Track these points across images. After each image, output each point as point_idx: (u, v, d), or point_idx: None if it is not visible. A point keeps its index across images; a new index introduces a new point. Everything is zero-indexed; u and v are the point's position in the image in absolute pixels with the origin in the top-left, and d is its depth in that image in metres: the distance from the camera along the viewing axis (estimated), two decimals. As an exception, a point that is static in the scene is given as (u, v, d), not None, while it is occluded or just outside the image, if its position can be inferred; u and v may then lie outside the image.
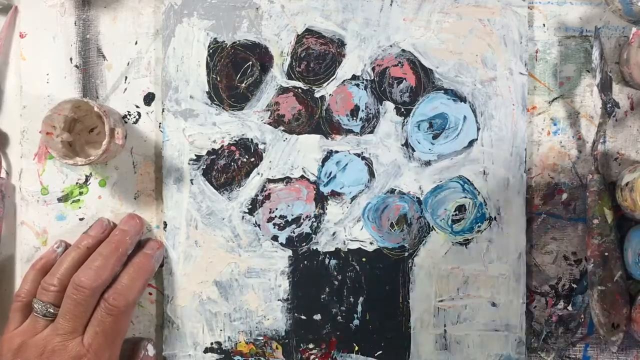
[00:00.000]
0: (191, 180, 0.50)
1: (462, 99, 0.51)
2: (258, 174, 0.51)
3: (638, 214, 0.48)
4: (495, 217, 0.51)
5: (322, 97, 0.51)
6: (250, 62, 0.51)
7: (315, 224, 0.51)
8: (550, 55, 0.52)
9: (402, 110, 0.51)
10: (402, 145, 0.51)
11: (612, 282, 0.49)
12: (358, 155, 0.51)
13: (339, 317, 0.51)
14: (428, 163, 0.51)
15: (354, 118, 0.51)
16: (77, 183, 0.51)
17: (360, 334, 0.51)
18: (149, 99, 0.51)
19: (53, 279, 0.46)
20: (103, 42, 0.51)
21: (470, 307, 0.51)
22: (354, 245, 0.51)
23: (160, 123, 0.51)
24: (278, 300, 0.51)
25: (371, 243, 0.51)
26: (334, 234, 0.51)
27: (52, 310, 0.45)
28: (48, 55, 0.51)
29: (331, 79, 0.51)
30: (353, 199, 0.51)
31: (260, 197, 0.51)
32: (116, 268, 0.47)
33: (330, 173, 0.51)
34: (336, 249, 0.51)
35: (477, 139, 0.51)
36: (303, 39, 0.51)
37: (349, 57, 0.51)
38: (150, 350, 0.50)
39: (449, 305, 0.51)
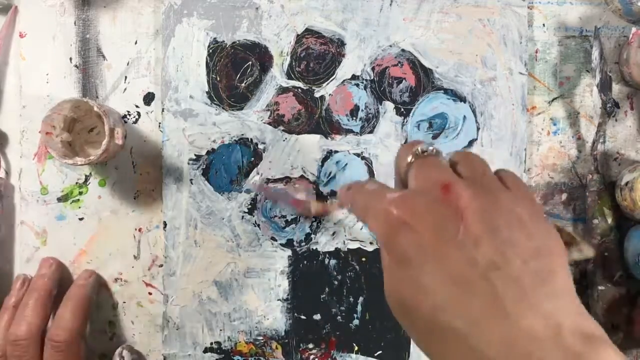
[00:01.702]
0: (191, 180, 0.50)
1: (462, 99, 0.51)
2: (258, 173, 0.51)
3: (638, 214, 0.48)
4: (495, 217, 0.51)
5: (322, 97, 0.51)
6: (250, 62, 0.51)
7: (315, 223, 0.51)
8: (550, 55, 0.52)
9: (402, 110, 0.51)
10: (402, 145, 0.51)
11: (612, 282, 0.49)
12: (358, 155, 0.51)
13: (339, 317, 0.51)
14: (428, 163, 0.51)
15: (354, 118, 0.51)
16: (76, 183, 0.51)
17: (360, 334, 0.51)
18: (148, 98, 0.51)
19: None
20: (103, 42, 0.51)
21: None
22: (353, 245, 0.51)
23: (160, 123, 0.51)
24: (278, 300, 0.51)
25: (371, 243, 0.51)
26: (333, 233, 0.51)
27: None
28: (48, 55, 0.51)
29: (331, 79, 0.51)
30: (353, 198, 0.51)
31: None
32: (44, 310, 0.47)
33: (330, 173, 0.51)
34: (336, 249, 0.51)
35: (476, 139, 0.51)
36: (303, 39, 0.51)
37: (348, 57, 0.51)
38: (127, 357, 0.50)
39: (448, 305, 0.51)
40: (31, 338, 0.45)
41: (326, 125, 0.51)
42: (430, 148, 0.32)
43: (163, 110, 0.50)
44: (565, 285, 0.27)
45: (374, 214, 0.30)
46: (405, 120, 0.51)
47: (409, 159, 0.31)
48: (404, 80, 0.51)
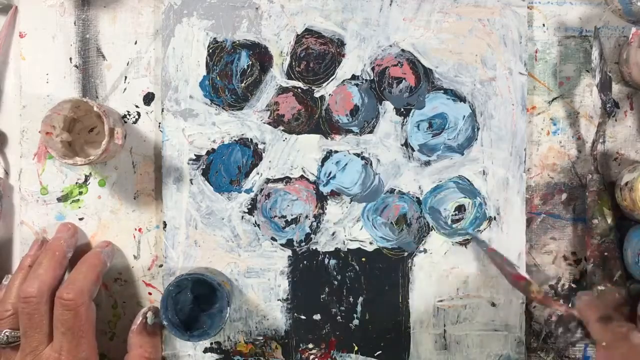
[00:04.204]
0: (191, 180, 0.50)
1: (462, 99, 0.51)
2: (258, 173, 0.51)
3: (638, 214, 0.48)
4: (494, 217, 0.51)
5: (322, 97, 0.51)
6: (250, 62, 0.51)
7: (314, 224, 0.51)
8: (549, 55, 0.52)
9: (402, 110, 0.51)
10: (402, 145, 0.51)
11: (612, 282, 0.49)
12: (358, 155, 0.51)
13: (339, 317, 0.51)
14: (428, 163, 0.51)
15: (354, 118, 0.51)
16: (76, 183, 0.51)
17: (359, 334, 0.51)
18: (148, 98, 0.51)
19: (6, 306, 0.45)
20: (102, 42, 0.51)
21: (469, 307, 0.51)
22: (353, 245, 0.51)
23: (159, 123, 0.51)
24: (278, 300, 0.51)
25: (371, 243, 0.51)
26: (333, 234, 0.51)
27: (14, 334, 0.45)
28: (48, 55, 0.51)
29: (331, 79, 0.51)
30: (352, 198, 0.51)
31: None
32: (58, 270, 0.47)
33: (330, 173, 0.51)
34: (336, 249, 0.51)
35: (477, 139, 0.51)
36: (302, 39, 0.51)
37: (348, 57, 0.51)
38: (150, 319, 0.49)
39: (448, 305, 0.51)
40: (42, 296, 0.44)
41: (326, 125, 0.51)
42: None
43: (163, 110, 0.50)
44: None
45: None
46: (405, 120, 0.51)
47: None
48: (403, 80, 0.51)
